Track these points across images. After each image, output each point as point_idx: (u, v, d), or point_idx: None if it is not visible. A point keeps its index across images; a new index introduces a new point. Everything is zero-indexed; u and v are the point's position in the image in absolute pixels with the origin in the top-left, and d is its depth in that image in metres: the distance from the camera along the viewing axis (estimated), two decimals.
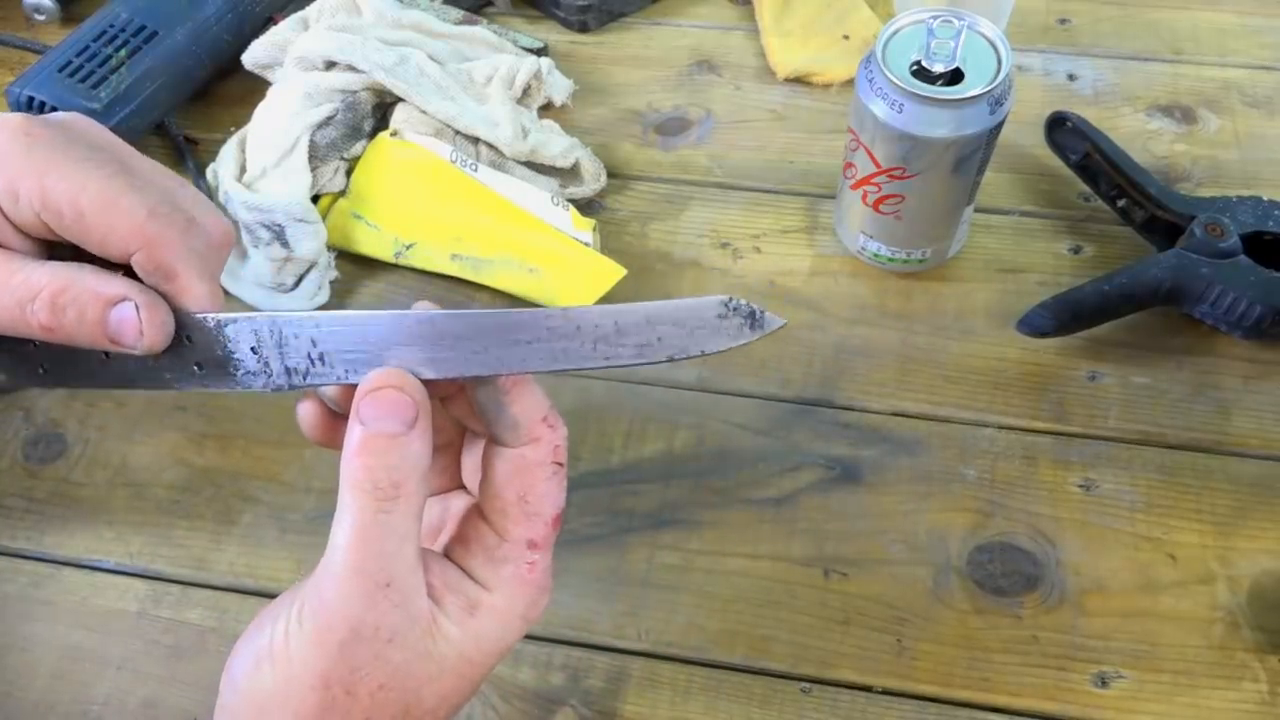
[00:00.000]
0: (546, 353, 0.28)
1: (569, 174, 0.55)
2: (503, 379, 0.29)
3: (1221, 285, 0.46)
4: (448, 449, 0.33)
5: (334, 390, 0.30)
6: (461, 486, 0.34)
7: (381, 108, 0.56)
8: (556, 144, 0.55)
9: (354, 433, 0.27)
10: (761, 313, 0.28)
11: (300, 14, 0.58)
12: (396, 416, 0.27)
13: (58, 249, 0.29)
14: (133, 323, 0.28)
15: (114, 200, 0.28)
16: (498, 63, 0.57)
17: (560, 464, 0.30)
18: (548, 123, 0.57)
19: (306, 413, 0.31)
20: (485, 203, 0.52)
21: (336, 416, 0.31)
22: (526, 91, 0.58)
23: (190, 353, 0.29)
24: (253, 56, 0.58)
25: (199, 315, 0.29)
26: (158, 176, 0.29)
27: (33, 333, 0.28)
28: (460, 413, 0.32)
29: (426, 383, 0.28)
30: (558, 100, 0.59)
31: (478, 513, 0.30)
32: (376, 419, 0.27)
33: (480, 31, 0.60)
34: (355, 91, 0.55)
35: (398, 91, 0.54)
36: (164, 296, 0.29)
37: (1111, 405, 0.47)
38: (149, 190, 0.28)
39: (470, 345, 0.28)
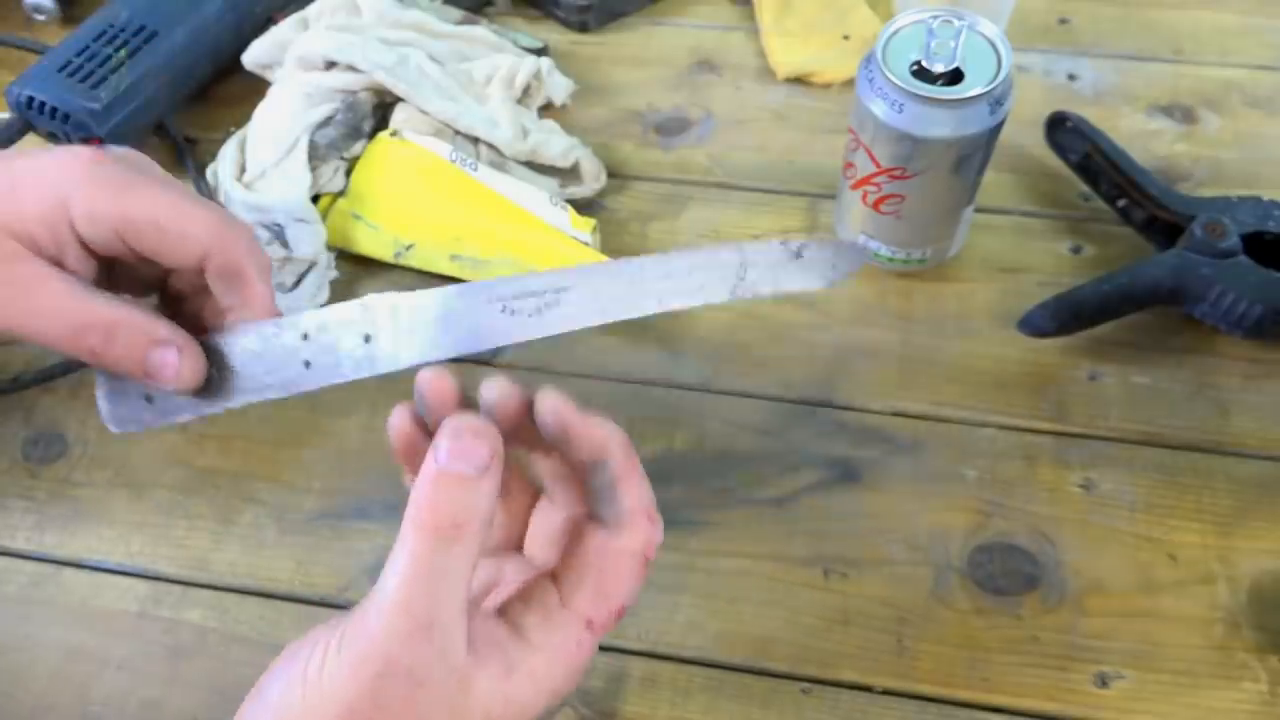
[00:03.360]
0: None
1: (569, 174, 0.55)
2: (618, 463, 0.30)
3: (1222, 285, 0.46)
4: (516, 508, 0.34)
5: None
6: (518, 550, 0.34)
7: (382, 108, 0.56)
8: (556, 144, 0.55)
9: (428, 467, 0.28)
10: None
11: (300, 14, 0.58)
12: (471, 458, 0.28)
13: (115, 269, 0.33)
14: (173, 365, 0.31)
15: (188, 212, 0.32)
16: (498, 63, 0.57)
17: (649, 559, 0.31)
18: (548, 123, 0.57)
19: (397, 421, 0.32)
20: (485, 202, 0.52)
21: (424, 434, 0.31)
22: (526, 91, 0.58)
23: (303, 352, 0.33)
24: (253, 56, 0.58)
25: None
26: (206, 199, 0.33)
27: (81, 356, 0.32)
28: (549, 473, 0.33)
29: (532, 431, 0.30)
30: (558, 100, 0.59)
31: (549, 575, 0.30)
32: (452, 458, 0.27)
33: (480, 31, 0.60)
34: (355, 92, 0.55)
35: (398, 91, 0.54)
36: (234, 295, 0.33)
37: (1111, 405, 0.47)
38: (211, 205, 0.32)
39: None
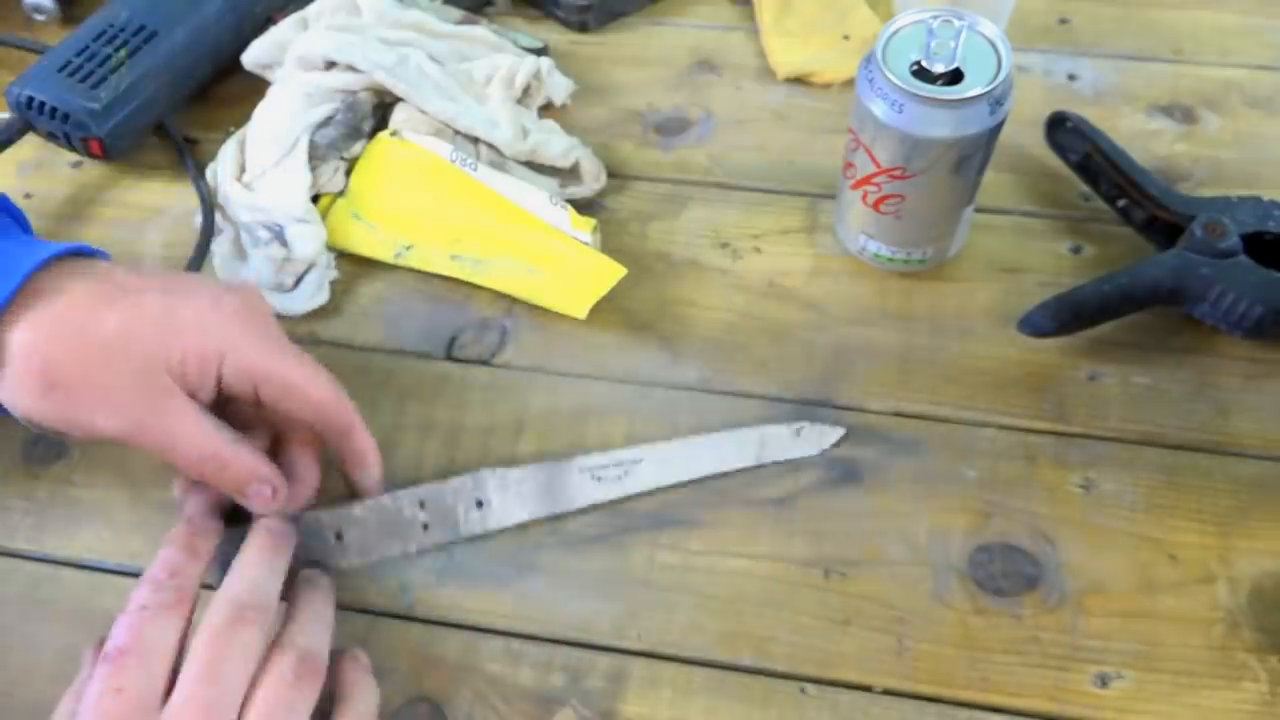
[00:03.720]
0: None
1: (569, 174, 0.55)
2: None
3: (1222, 285, 0.46)
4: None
5: None
6: None
7: (381, 108, 0.56)
8: (557, 144, 0.55)
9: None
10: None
11: (300, 14, 0.58)
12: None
13: (230, 403, 0.40)
14: (267, 496, 0.39)
15: (312, 377, 0.40)
16: (498, 62, 0.57)
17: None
18: (548, 123, 0.57)
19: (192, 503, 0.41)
20: (485, 202, 0.52)
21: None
22: (526, 91, 0.58)
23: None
24: (252, 56, 0.58)
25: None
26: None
27: (193, 475, 0.39)
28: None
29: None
30: (558, 100, 0.59)
31: None
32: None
33: (480, 31, 0.60)
34: (355, 92, 0.55)
35: (398, 92, 0.54)
36: (343, 447, 0.42)
37: (1112, 405, 0.47)
38: (323, 369, 0.41)
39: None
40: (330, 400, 0.41)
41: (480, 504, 0.43)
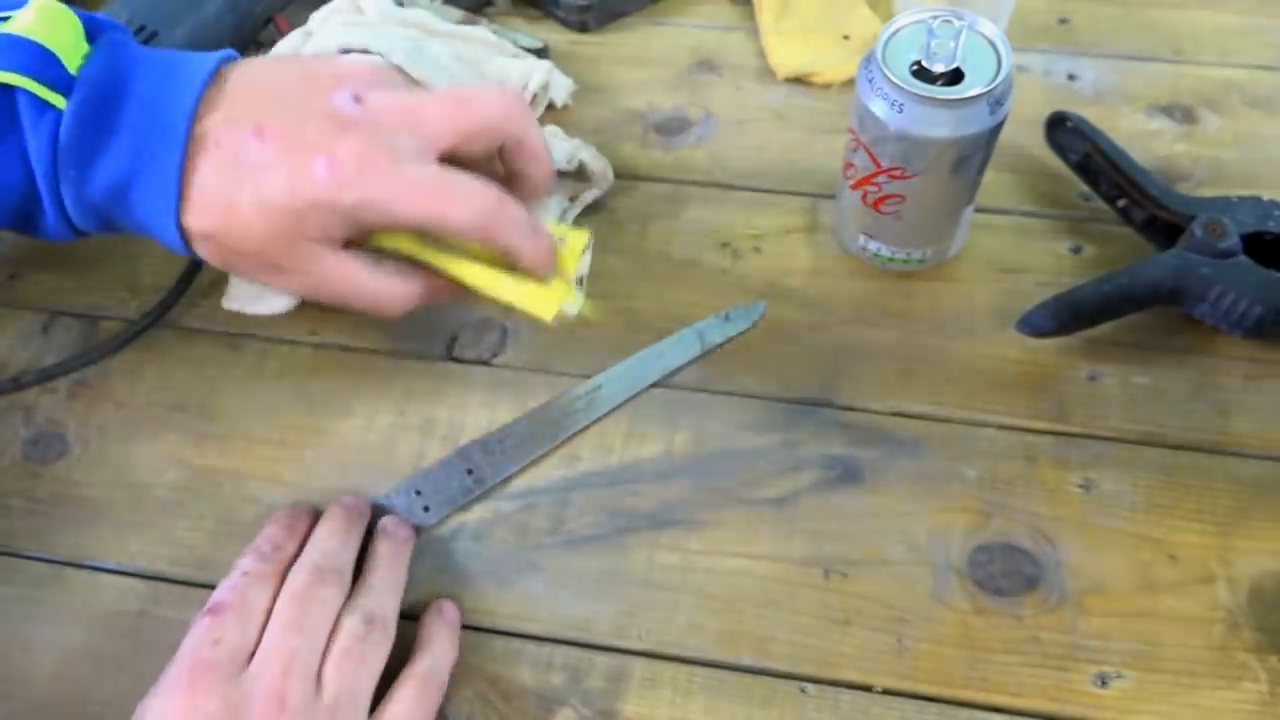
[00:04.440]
0: None
1: (576, 176, 0.55)
2: None
3: (1222, 285, 0.46)
4: None
5: None
6: None
7: None
8: (559, 150, 0.54)
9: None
10: None
11: (303, 28, 0.57)
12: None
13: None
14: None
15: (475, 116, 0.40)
16: (509, 68, 0.57)
17: None
18: (551, 128, 0.56)
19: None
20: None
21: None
22: (534, 100, 0.57)
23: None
24: None
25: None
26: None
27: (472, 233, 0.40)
28: None
29: None
30: (559, 101, 0.59)
31: None
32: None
33: (481, 31, 0.60)
34: None
35: (414, 75, 0.52)
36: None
37: (1111, 405, 0.47)
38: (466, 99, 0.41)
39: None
40: (502, 117, 0.40)
41: (470, 471, 0.46)
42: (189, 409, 0.48)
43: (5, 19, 0.39)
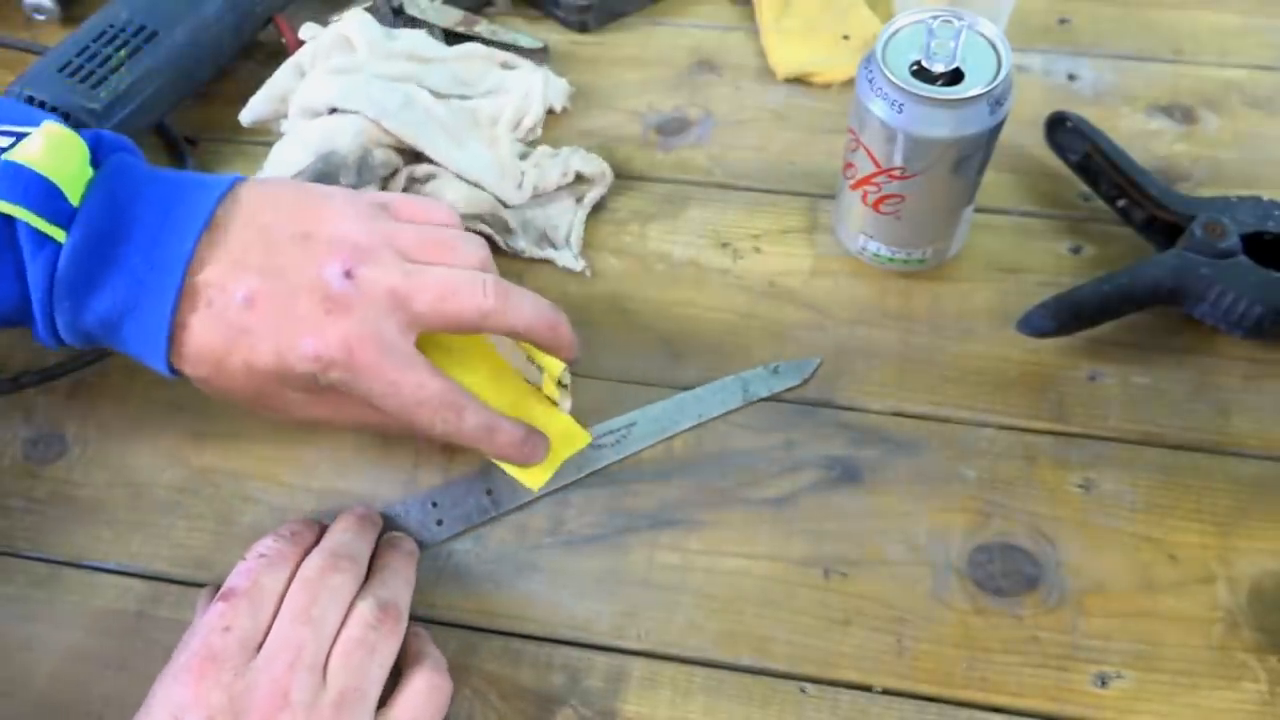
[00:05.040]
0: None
1: (577, 184, 0.55)
2: None
3: (1221, 285, 0.46)
4: None
5: None
6: None
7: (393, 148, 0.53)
8: (552, 172, 0.53)
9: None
10: None
11: (294, 60, 0.56)
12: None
13: None
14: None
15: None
16: (503, 104, 0.56)
17: None
18: (542, 149, 0.55)
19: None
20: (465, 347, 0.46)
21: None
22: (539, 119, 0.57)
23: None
24: (253, 113, 0.56)
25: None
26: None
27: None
28: None
29: None
30: (557, 105, 0.58)
31: None
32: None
33: (475, 48, 0.59)
34: (366, 148, 0.52)
35: (403, 136, 0.52)
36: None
37: (1111, 405, 0.47)
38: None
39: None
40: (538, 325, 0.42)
41: (489, 491, 0.45)
42: (188, 409, 0.48)
43: (15, 140, 0.39)
